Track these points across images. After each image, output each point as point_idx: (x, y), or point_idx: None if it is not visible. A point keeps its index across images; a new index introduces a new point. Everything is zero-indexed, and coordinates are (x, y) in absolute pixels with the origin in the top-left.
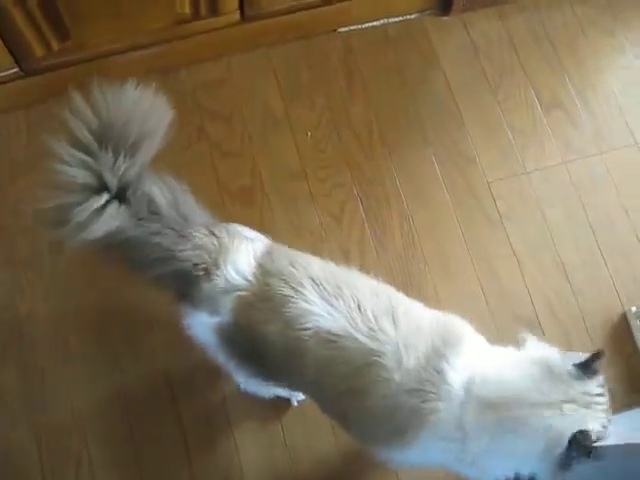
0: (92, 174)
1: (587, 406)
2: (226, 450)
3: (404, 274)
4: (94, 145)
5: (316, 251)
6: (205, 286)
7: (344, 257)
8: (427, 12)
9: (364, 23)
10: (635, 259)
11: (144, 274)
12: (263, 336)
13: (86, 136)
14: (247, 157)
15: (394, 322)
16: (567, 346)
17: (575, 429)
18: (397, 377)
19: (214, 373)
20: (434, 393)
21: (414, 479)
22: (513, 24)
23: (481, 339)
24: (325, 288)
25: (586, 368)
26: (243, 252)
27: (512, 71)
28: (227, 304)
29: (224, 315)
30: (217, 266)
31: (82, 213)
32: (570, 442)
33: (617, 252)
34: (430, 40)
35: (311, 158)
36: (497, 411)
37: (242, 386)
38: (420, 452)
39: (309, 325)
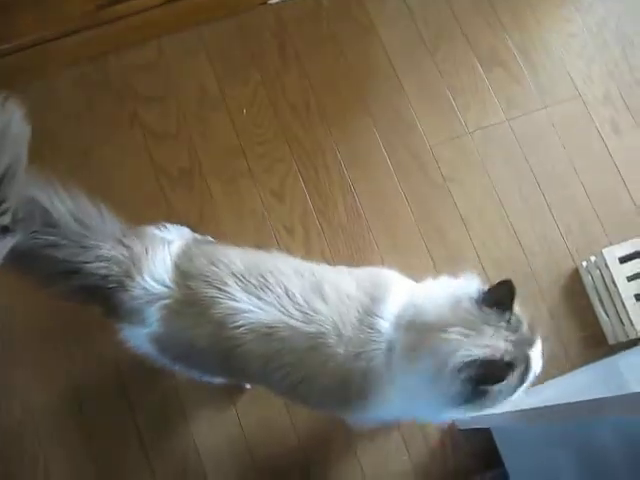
0: None
1: (480, 332)
2: (182, 438)
3: (350, 245)
4: None
5: (259, 231)
6: (124, 299)
7: (288, 235)
8: None
9: None
10: (584, 213)
11: (54, 290)
12: (196, 342)
13: None
14: (184, 139)
15: (324, 299)
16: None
17: (459, 354)
18: (341, 350)
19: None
20: (375, 349)
21: (371, 452)
22: None
23: (408, 281)
24: (250, 281)
25: (489, 298)
26: (159, 258)
27: (450, 32)
28: (153, 315)
29: (153, 326)
30: (131, 277)
31: None
32: (459, 369)
33: (566, 208)
34: (364, 6)
35: (248, 135)
36: (409, 335)
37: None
38: (381, 406)
39: (242, 323)
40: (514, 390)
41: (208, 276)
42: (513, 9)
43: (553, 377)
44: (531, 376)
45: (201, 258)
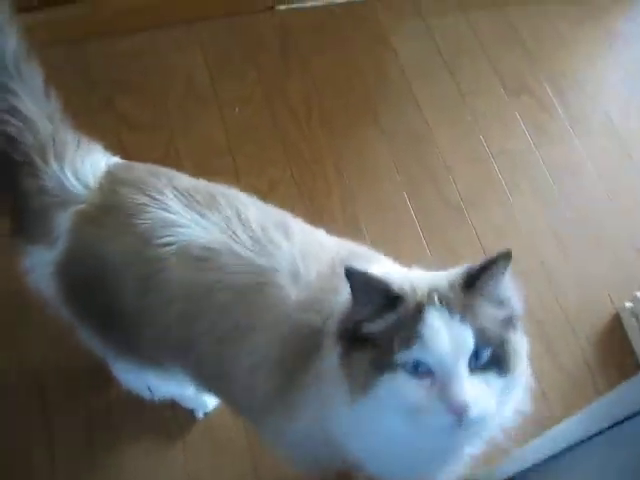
0: None
1: None
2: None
3: None
4: None
5: None
6: (30, 189)
7: None
8: None
9: (304, 1)
10: (623, 250)
11: None
12: (108, 260)
13: None
14: (162, 131)
15: (287, 236)
16: (552, 356)
17: None
18: (293, 295)
19: (100, 375)
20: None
21: None
22: (473, 15)
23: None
24: (193, 197)
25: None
26: (91, 158)
27: (472, 54)
28: (62, 223)
29: (59, 242)
30: (45, 160)
31: None
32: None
33: (601, 244)
34: (379, 21)
35: (238, 134)
36: None
37: (122, 381)
38: (332, 398)
39: (170, 240)
40: None
41: (143, 184)
42: (540, 39)
43: None
44: None
45: (141, 168)
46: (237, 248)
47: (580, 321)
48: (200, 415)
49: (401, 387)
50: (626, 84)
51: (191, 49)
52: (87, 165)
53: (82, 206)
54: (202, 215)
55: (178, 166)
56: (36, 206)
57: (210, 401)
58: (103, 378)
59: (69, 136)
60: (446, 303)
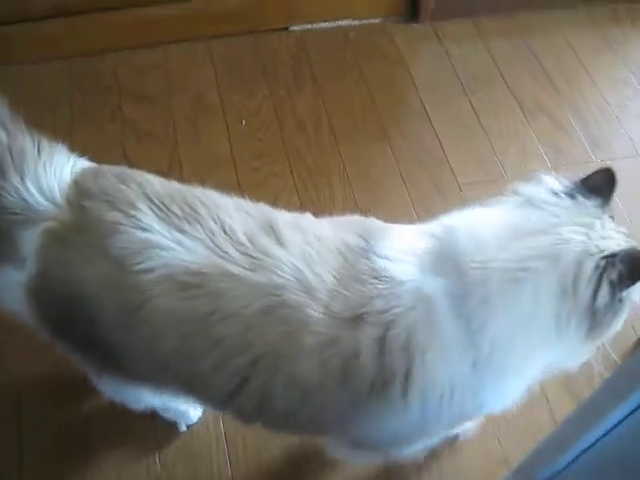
0: None
1: (590, 225)
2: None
3: None
4: None
5: None
6: None
7: None
8: (392, 18)
9: (318, 22)
10: None
11: None
12: (81, 286)
13: None
14: (167, 141)
15: (279, 241)
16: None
17: (591, 251)
18: (318, 312)
19: (76, 383)
20: (398, 305)
21: None
22: (491, 36)
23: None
24: (170, 210)
25: (586, 185)
26: (54, 166)
27: (489, 76)
28: (30, 243)
29: (28, 263)
30: (3, 174)
31: None
32: (603, 268)
33: None
34: (395, 43)
35: (244, 146)
36: (487, 273)
37: (104, 391)
38: (434, 399)
39: (151, 264)
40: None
41: (111, 195)
42: (560, 62)
43: None
44: None
45: (109, 175)
46: (229, 268)
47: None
48: (183, 428)
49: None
50: None
51: (204, 64)
52: (51, 175)
53: (50, 224)
54: (183, 232)
55: (180, 177)
56: None
57: (194, 413)
58: (79, 390)
59: (27, 142)
60: None
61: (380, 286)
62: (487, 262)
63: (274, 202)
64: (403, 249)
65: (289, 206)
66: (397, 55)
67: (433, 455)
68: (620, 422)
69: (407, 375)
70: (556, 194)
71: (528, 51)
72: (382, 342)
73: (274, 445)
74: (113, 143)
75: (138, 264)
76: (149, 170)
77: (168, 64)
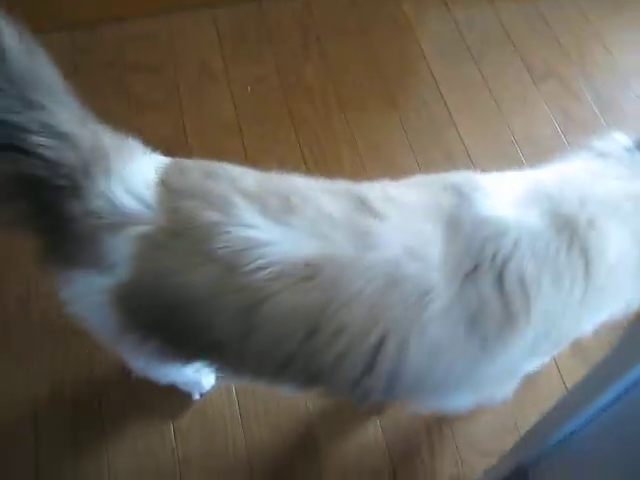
0: None
1: None
2: (93, 455)
3: None
4: None
5: None
6: (74, 213)
7: None
8: None
9: None
10: None
11: None
12: (187, 292)
13: None
14: (172, 109)
15: (376, 215)
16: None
17: None
18: (437, 274)
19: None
20: (499, 250)
21: None
22: (500, 5)
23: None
24: (267, 203)
25: None
26: (138, 165)
27: (497, 42)
28: (122, 250)
29: (119, 269)
30: (90, 177)
31: None
32: None
33: None
34: (402, 8)
35: (249, 113)
36: (589, 208)
37: (136, 370)
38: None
39: (262, 262)
40: None
41: (203, 193)
42: (570, 27)
43: None
44: None
45: (195, 171)
46: (338, 253)
47: None
48: (197, 397)
49: None
50: None
51: (208, 32)
52: (136, 175)
53: (144, 228)
54: (285, 224)
55: (185, 144)
56: (83, 230)
57: (207, 381)
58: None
59: (107, 141)
60: None
61: (485, 233)
62: (585, 198)
63: (281, 168)
64: (498, 194)
65: (296, 173)
66: (405, 21)
67: (446, 421)
68: (631, 387)
69: (528, 307)
70: (628, 149)
71: (537, 15)
72: (500, 284)
73: (283, 407)
74: (118, 116)
75: (249, 263)
76: (156, 138)
77: (169, 33)
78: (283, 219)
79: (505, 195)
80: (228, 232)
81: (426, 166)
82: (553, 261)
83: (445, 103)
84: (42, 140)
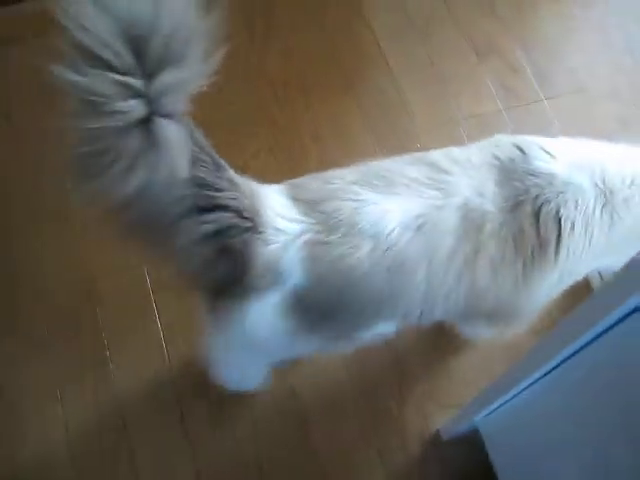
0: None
1: None
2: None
3: None
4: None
5: None
6: (258, 247)
7: None
8: None
9: None
10: None
11: (173, 243)
12: (357, 270)
13: None
14: None
15: (445, 171)
16: None
17: None
18: (492, 206)
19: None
20: (543, 192)
21: None
22: None
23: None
24: (373, 183)
25: None
26: (269, 194)
27: (442, 21)
28: (292, 260)
29: (292, 277)
30: (259, 215)
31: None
32: None
33: None
34: None
35: (211, 109)
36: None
37: (226, 383)
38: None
39: (394, 225)
40: None
41: (330, 193)
42: (511, 3)
43: None
44: None
45: (312, 182)
46: (432, 203)
47: None
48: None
49: None
50: (594, 42)
51: None
52: (276, 202)
53: (306, 237)
54: (393, 194)
55: None
56: (267, 258)
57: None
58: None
59: (244, 185)
60: None
61: (535, 180)
62: (636, 180)
63: (252, 159)
64: (558, 156)
65: (266, 162)
66: (356, 6)
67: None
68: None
69: (558, 241)
70: None
71: None
72: (537, 216)
73: None
74: None
75: (387, 231)
76: None
77: None
78: (389, 191)
79: (564, 158)
80: (364, 212)
81: (386, 151)
82: (588, 214)
83: (398, 86)
84: (228, 196)
